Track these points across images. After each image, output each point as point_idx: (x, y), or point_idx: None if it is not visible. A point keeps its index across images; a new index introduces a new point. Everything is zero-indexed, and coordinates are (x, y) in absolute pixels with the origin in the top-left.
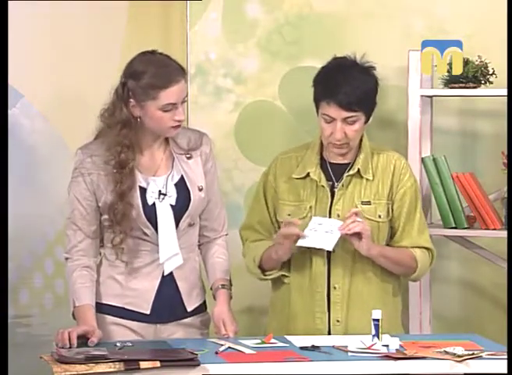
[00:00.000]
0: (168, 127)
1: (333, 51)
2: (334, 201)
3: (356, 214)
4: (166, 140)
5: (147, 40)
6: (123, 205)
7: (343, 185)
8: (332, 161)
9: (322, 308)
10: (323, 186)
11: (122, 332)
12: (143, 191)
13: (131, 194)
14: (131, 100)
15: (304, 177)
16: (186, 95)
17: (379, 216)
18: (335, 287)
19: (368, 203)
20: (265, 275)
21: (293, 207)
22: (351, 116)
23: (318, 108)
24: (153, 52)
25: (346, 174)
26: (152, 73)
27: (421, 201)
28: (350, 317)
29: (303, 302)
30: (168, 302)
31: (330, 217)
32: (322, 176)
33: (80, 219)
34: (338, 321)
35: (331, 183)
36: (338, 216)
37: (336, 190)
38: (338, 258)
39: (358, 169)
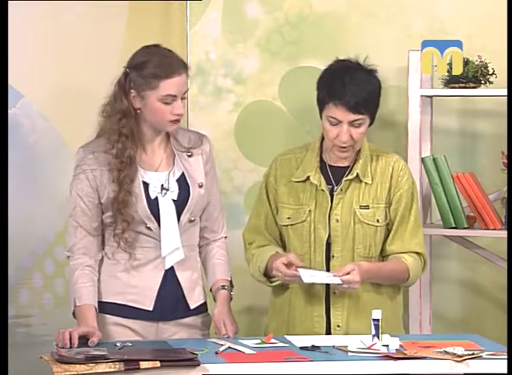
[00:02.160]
0: (167, 121)
1: (333, 51)
2: (333, 205)
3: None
4: (167, 137)
5: (147, 40)
6: (123, 192)
7: (341, 189)
8: (331, 164)
9: (320, 313)
10: (323, 190)
11: (124, 332)
12: (145, 185)
13: (133, 184)
14: (132, 91)
15: (304, 181)
16: (187, 91)
17: (377, 220)
18: (334, 293)
19: (367, 207)
20: (271, 282)
21: (292, 210)
22: (358, 119)
23: (322, 110)
24: (156, 46)
25: (344, 179)
26: (155, 63)
27: (418, 203)
28: (351, 322)
29: (302, 306)
30: (170, 299)
31: (330, 222)
32: (322, 179)
33: (82, 216)
34: (338, 326)
35: (330, 186)
36: (337, 220)
37: (334, 194)
38: (337, 264)
39: (357, 174)
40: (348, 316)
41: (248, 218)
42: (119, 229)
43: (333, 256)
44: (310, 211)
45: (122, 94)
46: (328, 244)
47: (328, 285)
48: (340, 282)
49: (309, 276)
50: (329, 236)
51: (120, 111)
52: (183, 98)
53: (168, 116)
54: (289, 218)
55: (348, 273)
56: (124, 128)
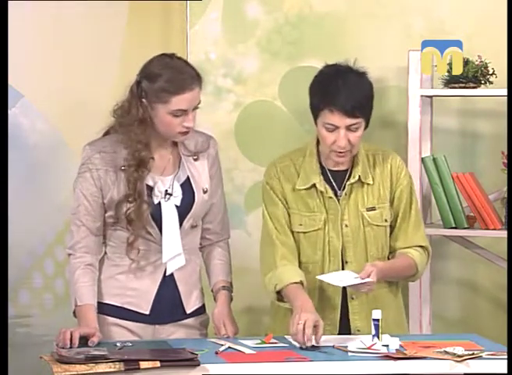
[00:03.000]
0: (176, 132)
1: (333, 51)
2: (340, 211)
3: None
4: (175, 141)
5: (147, 40)
6: (139, 203)
7: (346, 194)
8: (331, 168)
9: (334, 321)
10: (330, 197)
11: (121, 333)
12: (149, 189)
13: (145, 192)
14: (143, 100)
15: (309, 188)
16: (199, 103)
17: (385, 220)
18: (352, 298)
19: (373, 209)
20: (280, 302)
21: (304, 217)
22: (354, 123)
23: (317, 117)
24: (172, 56)
25: (348, 183)
26: (167, 77)
27: (416, 197)
28: (368, 325)
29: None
30: (167, 303)
31: (341, 228)
32: (327, 186)
33: (85, 215)
34: (358, 330)
35: (333, 191)
36: (346, 225)
37: (340, 199)
38: (351, 269)
39: (359, 177)
40: (367, 318)
41: (265, 225)
42: (131, 239)
43: (347, 262)
44: (325, 219)
45: (138, 102)
46: (341, 251)
47: (344, 291)
48: (362, 281)
49: (338, 280)
50: (342, 242)
51: (138, 119)
52: (195, 109)
53: (178, 127)
54: (301, 225)
55: (369, 275)
56: (143, 137)
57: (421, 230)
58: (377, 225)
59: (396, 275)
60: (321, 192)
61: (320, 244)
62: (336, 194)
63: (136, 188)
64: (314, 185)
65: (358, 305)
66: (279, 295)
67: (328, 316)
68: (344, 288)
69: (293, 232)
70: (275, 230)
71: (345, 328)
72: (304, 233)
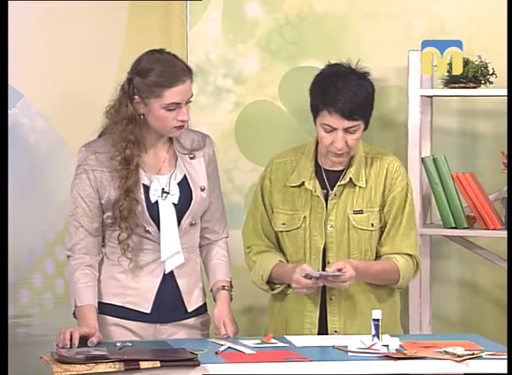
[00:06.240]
0: (172, 127)
1: (333, 51)
2: (327, 211)
3: (339, 270)
4: (170, 139)
5: (147, 40)
6: (129, 200)
7: (335, 195)
8: (327, 168)
9: (313, 320)
10: (318, 196)
11: (122, 333)
12: (146, 188)
13: (136, 189)
14: (136, 97)
15: (299, 185)
16: (191, 96)
17: (372, 225)
18: (331, 299)
19: (360, 212)
20: (273, 289)
21: (287, 216)
22: (353, 126)
23: (316, 116)
24: (161, 51)
25: (338, 183)
26: (158, 71)
27: (412, 205)
28: (348, 326)
29: (296, 311)
30: (168, 302)
31: (325, 228)
32: (317, 185)
33: (83, 216)
34: (336, 331)
35: (325, 191)
36: (331, 226)
37: (329, 199)
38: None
39: (350, 178)
40: (345, 320)
41: (245, 219)
42: (123, 236)
43: (329, 262)
44: (305, 217)
45: (128, 100)
46: (324, 250)
47: (324, 292)
48: (338, 273)
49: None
50: (325, 242)
51: (126, 117)
52: (187, 102)
53: (173, 122)
54: (284, 224)
55: (340, 270)
56: (132, 134)
57: (410, 239)
58: (362, 229)
59: (374, 277)
60: (310, 191)
61: (301, 242)
62: (327, 194)
63: (124, 186)
64: (303, 183)
65: (336, 305)
66: (271, 284)
67: (308, 314)
68: (324, 288)
69: (276, 232)
70: (252, 238)
71: (323, 328)
72: (287, 231)
